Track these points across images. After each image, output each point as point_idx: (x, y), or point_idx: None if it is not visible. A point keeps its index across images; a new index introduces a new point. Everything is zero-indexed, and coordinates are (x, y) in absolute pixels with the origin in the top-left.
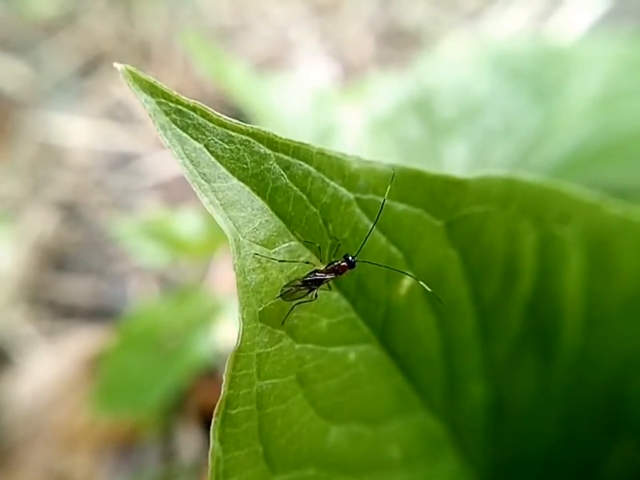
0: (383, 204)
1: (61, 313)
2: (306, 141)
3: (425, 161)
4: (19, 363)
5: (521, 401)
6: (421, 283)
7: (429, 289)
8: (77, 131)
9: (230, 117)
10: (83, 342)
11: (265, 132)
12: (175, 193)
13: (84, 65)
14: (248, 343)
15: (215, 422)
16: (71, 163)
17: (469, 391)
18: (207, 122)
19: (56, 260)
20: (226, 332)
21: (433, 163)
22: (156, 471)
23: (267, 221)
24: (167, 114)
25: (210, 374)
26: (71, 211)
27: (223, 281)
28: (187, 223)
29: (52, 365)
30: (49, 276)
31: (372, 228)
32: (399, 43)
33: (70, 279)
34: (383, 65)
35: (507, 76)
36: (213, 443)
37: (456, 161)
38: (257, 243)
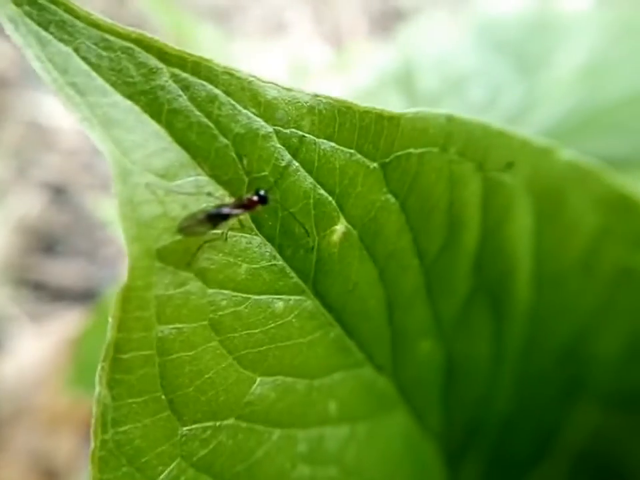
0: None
1: (49, 295)
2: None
3: None
4: (4, 344)
5: (475, 362)
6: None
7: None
8: (64, 112)
9: None
10: (68, 324)
11: (153, 39)
12: None
13: None
14: (140, 283)
15: (102, 367)
16: (58, 144)
17: (417, 348)
18: (74, 20)
19: (44, 242)
20: None
21: None
22: None
23: (163, 148)
24: (17, 4)
25: None
26: (58, 193)
27: None
28: None
29: (37, 347)
30: (36, 258)
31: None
32: (394, 24)
33: (58, 261)
34: (369, 43)
35: (491, 47)
36: (99, 389)
37: None
38: (151, 172)
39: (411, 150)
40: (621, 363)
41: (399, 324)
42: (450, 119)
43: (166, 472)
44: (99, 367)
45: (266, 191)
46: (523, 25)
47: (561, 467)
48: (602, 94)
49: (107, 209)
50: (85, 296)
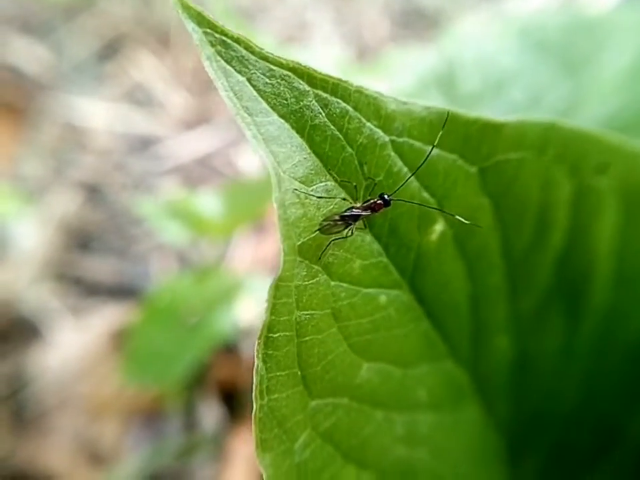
0: (429, 154)
1: (85, 290)
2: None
3: None
4: (47, 336)
5: (546, 357)
6: (457, 217)
7: (465, 221)
8: (97, 113)
9: None
10: (107, 318)
11: (304, 67)
12: (193, 176)
13: (103, 47)
14: (287, 274)
15: (259, 343)
16: (92, 145)
17: (494, 343)
18: (250, 55)
19: (80, 239)
20: (245, 310)
21: None
22: (178, 439)
23: (305, 158)
24: (212, 45)
25: (229, 350)
26: (93, 193)
27: (242, 260)
28: (207, 204)
29: (78, 339)
30: (73, 255)
31: (410, 176)
32: (415, 24)
33: (93, 257)
34: (399, 46)
35: (533, 48)
36: (257, 362)
37: None
38: (296, 179)
39: (511, 155)
40: None
41: (481, 319)
42: (548, 125)
43: (302, 438)
44: (256, 343)
45: (389, 195)
46: (565, 26)
47: (625, 464)
48: None
49: (139, 207)
50: (119, 291)
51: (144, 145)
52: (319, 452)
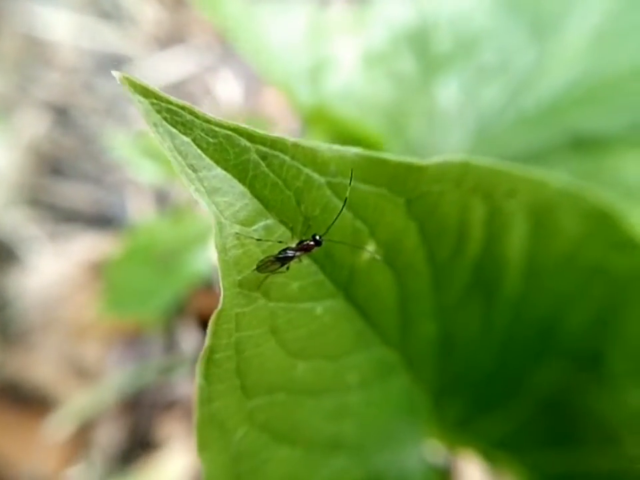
0: (349, 185)
1: (61, 216)
2: (282, 135)
3: (416, 100)
4: (25, 260)
5: (466, 337)
6: (377, 256)
7: (379, 258)
8: (61, 24)
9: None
10: (86, 245)
11: (244, 128)
12: None
13: None
14: (228, 305)
15: (201, 364)
16: (57, 61)
17: (422, 329)
18: (194, 119)
19: (51, 164)
20: None
21: (425, 102)
22: (159, 360)
23: (246, 204)
24: (158, 112)
25: (206, 286)
26: (61, 115)
27: None
28: None
29: (58, 265)
30: (45, 179)
31: (342, 208)
32: None
33: (67, 183)
34: None
35: (507, 7)
36: (199, 379)
37: (448, 101)
38: (237, 223)
39: (432, 187)
40: (588, 332)
41: (409, 314)
42: (466, 164)
43: (241, 433)
44: (198, 362)
45: (320, 236)
46: None
47: (528, 405)
48: (610, 64)
49: (110, 137)
50: (95, 219)
51: (113, 64)
52: (255, 441)
